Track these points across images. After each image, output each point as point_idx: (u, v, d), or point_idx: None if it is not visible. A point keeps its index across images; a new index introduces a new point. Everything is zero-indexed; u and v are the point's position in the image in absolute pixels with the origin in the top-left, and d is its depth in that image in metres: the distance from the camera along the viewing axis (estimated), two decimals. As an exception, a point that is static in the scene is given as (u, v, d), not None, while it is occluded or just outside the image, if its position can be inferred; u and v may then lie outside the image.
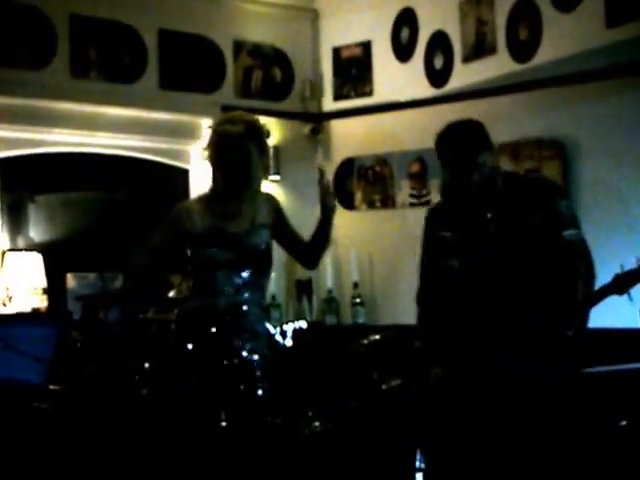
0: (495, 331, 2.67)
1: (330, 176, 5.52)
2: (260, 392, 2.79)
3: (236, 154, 2.79)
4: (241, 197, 2.86)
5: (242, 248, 2.82)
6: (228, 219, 2.84)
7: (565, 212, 2.72)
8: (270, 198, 2.98)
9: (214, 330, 2.79)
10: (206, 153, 2.89)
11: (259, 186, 2.90)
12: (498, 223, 2.73)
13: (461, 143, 2.73)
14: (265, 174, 2.90)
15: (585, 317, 2.65)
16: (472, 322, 2.73)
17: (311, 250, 2.96)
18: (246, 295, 2.82)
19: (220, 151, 2.82)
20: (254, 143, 2.81)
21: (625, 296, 2.54)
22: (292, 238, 2.98)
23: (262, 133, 2.85)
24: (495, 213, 2.74)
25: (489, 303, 2.71)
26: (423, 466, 3.26)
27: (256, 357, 2.81)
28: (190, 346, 2.81)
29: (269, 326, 3.28)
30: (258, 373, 2.80)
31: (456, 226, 2.79)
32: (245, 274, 2.82)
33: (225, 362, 2.77)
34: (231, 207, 2.86)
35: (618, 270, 2.52)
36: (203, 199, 2.92)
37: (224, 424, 2.72)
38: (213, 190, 2.89)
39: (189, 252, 2.87)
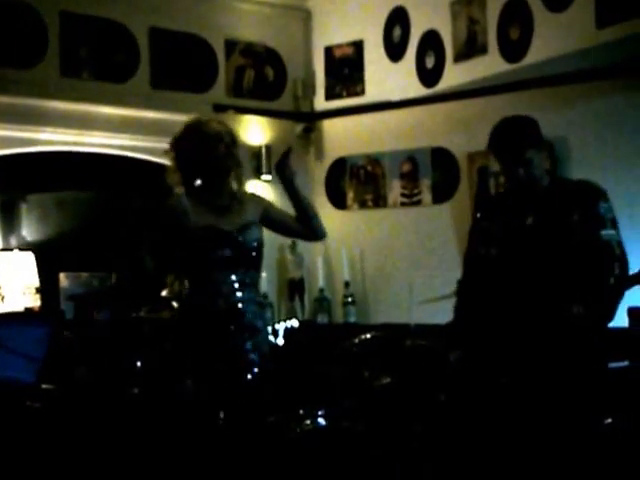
0: (522, 320, 2.72)
1: (322, 175, 5.55)
2: (258, 390, 2.81)
3: (220, 149, 2.87)
4: (224, 193, 2.90)
5: (236, 246, 2.84)
6: (220, 216, 2.86)
7: (605, 214, 2.76)
8: (254, 196, 3.04)
9: (216, 330, 2.81)
10: (175, 155, 2.92)
11: (243, 185, 2.95)
12: (536, 218, 2.79)
13: (511, 136, 2.79)
14: (240, 170, 2.96)
15: (611, 308, 2.70)
16: (502, 310, 2.78)
17: (302, 223, 2.98)
18: (243, 294, 2.84)
19: (203, 148, 2.87)
20: (232, 141, 2.92)
21: None
22: (286, 222, 3.00)
23: (235, 136, 2.97)
24: (536, 208, 2.79)
25: (521, 292, 2.76)
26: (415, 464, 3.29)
27: (255, 356, 2.83)
28: (192, 346, 2.83)
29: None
30: (257, 371, 2.82)
31: (498, 217, 2.86)
32: (240, 273, 2.84)
33: (230, 361, 2.78)
34: (220, 203, 2.88)
35: None
36: (191, 196, 2.90)
37: (222, 423, 2.74)
38: (196, 187, 2.91)
39: (184, 249, 2.88)
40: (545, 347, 2.68)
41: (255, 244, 2.89)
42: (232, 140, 2.91)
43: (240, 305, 2.83)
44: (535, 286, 2.75)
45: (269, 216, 2.96)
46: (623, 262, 2.73)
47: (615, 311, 2.72)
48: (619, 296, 2.72)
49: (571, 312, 2.64)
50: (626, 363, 3.26)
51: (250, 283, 2.88)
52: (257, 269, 2.95)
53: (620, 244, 2.76)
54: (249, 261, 2.88)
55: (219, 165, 2.87)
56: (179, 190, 2.92)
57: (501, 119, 2.86)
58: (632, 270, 2.74)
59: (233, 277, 2.83)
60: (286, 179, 2.93)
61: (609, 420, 2.88)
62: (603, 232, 2.73)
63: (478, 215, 2.97)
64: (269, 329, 3.69)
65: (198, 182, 2.91)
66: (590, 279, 2.70)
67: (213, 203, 2.88)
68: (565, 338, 2.67)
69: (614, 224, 2.77)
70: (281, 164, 2.93)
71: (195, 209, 2.85)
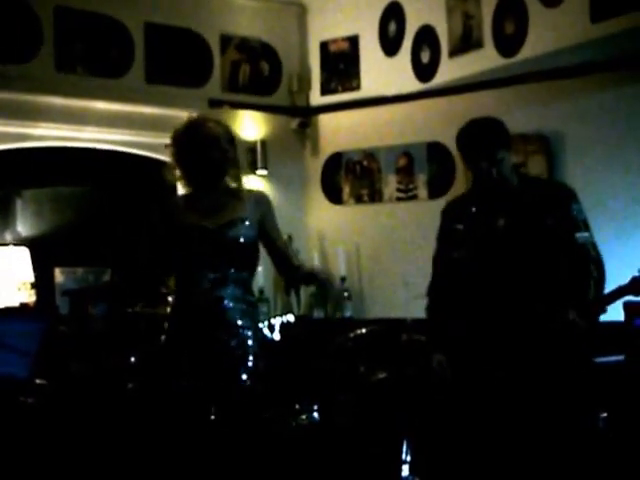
0: (498, 323, 2.72)
1: (318, 170, 5.55)
2: (246, 387, 2.80)
3: (215, 153, 2.85)
4: (218, 192, 2.89)
5: (216, 243, 2.83)
6: (206, 215, 2.86)
7: (577, 215, 2.78)
8: (261, 196, 3.02)
9: (196, 327, 2.81)
10: (175, 150, 2.91)
11: (241, 180, 2.94)
12: (508, 220, 2.79)
13: (481, 138, 2.81)
14: (238, 170, 2.95)
15: (598, 314, 2.70)
16: (476, 313, 2.78)
17: (289, 276, 3.03)
18: (224, 290, 2.82)
19: (200, 150, 2.86)
20: (229, 143, 2.91)
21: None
22: (274, 241, 2.97)
23: (233, 136, 2.96)
24: (507, 210, 2.79)
25: (493, 296, 2.76)
26: (409, 458, 3.29)
27: (242, 354, 2.82)
28: (179, 343, 2.83)
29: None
30: (244, 367, 2.81)
31: (468, 219, 2.86)
32: (222, 269, 2.83)
33: (213, 358, 2.78)
34: (209, 203, 2.88)
35: (636, 273, 2.61)
36: (185, 196, 2.95)
37: (211, 418, 2.74)
38: (191, 188, 2.93)
39: (171, 248, 2.88)
40: (541, 351, 2.67)
41: (241, 240, 2.85)
42: (229, 141, 2.91)
43: (222, 302, 2.81)
44: (510, 289, 2.75)
45: (262, 226, 2.93)
46: (599, 264, 2.76)
47: (598, 318, 2.73)
48: (604, 306, 2.72)
49: (567, 318, 2.63)
50: (622, 357, 3.27)
51: (235, 280, 2.85)
52: (246, 266, 2.91)
53: (594, 246, 2.78)
54: (233, 258, 2.85)
55: (215, 167, 2.87)
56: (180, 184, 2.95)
57: (468, 121, 2.88)
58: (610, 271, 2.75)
59: (213, 274, 2.82)
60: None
61: (605, 414, 2.89)
62: (577, 235, 2.75)
63: (446, 215, 2.97)
64: (265, 324, 3.69)
65: None
66: (572, 284, 2.70)
67: (205, 202, 2.88)
68: (563, 343, 2.67)
69: (586, 225, 2.80)
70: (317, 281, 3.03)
71: (184, 209, 2.87)
